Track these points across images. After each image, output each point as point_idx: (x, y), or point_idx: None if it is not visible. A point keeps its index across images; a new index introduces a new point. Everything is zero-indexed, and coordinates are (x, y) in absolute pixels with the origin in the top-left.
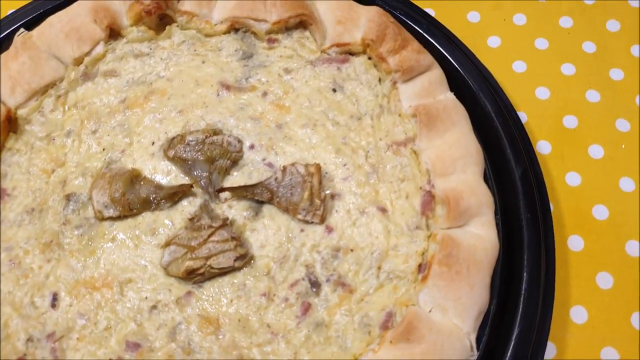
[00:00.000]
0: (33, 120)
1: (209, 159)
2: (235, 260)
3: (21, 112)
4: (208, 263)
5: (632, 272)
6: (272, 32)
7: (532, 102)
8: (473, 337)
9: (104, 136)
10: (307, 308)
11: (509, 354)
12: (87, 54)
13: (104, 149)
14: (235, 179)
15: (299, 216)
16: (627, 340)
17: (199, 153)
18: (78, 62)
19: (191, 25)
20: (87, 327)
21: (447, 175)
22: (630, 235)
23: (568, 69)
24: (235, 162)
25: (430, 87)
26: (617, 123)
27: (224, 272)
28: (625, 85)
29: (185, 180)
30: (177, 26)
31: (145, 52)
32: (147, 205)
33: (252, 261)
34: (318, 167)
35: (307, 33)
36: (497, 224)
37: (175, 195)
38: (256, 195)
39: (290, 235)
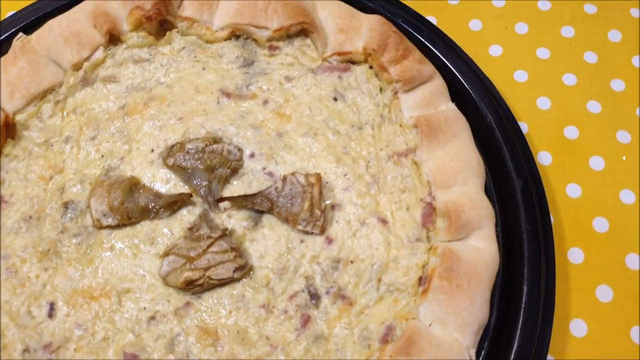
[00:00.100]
0: (31, 126)
1: (209, 168)
2: (234, 271)
3: (19, 118)
4: (207, 274)
5: (632, 285)
6: (273, 40)
7: (533, 112)
8: (473, 351)
9: (102, 143)
10: (306, 320)
11: None
12: (87, 59)
13: (102, 156)
14: (235, 188)
15: (299, 227)
16: (627, 355)
17: (199, 162)
18: (77, 67)
19: (192, 31)
20: (85, 337)
21: (448, 188)
22: (630, 248)
23: (569, 79)
24: (235, 171)
25: (432, 98)
26: (618, 134)
27: (223, 283)
28: (626, 96)
29: (184, 188)
30: (178, 32)
31: (145, 58)
32: (146, 214)
33: (252, 272)
34: (318, 177)
35: (308, 41)
36: (497, 236)
37: (175, 204)
38: (256, 205)
39: (290, 246)
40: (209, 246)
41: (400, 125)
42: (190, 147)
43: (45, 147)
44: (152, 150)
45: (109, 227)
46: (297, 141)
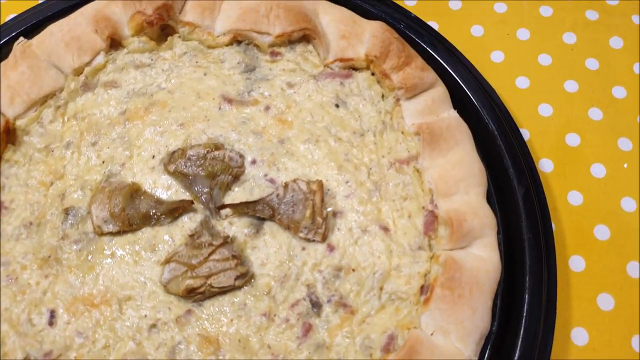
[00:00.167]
0: (32, 131)
1: (210, 175)
2: (235, 279)
3: (20, 123)
4: (208, 282)
5: (633, 293)
6: (275, 45)
7: (534, 119)
8: None
9: (103, 148)
10: (308, 329)
11: None
12: (88, 64)
13: (103, 162)
14: (237, 194)
15: (301, 234)
16: None
17: (200, 168)
18: (78, 72)
19: (193, 36)
20: (85, 345)
21: (450, 196)
22: (631, 256)
23: (571, 85)
24: (236, 178)
25: (434, 105)
26: (620, 142)
27: (224, 290)
28: (628, 103)
29: (185, 195)
30: (179, 37)
31: (146, 62)
32: (147, 220)
33: (253, 280)
34: (320, 184)
35: (310, 47)
36: (499, 244)
37: (176, 211)
38: (257, 212)
39: (291, 253)
40: (210, 254)
41: (402, 133)
42: (191, 153)
43: (45, 153)
44: (153, 157)
45: (110, 233)
46: (298, 148)
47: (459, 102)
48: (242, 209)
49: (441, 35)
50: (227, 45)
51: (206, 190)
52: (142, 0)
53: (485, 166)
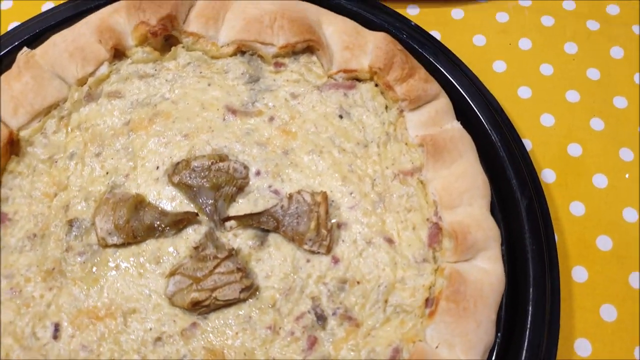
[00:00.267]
0: (35, 142)
1: (215, 186)
2: (240, 292)
3: (23, 134)
4: (214, 295)
5: (635, 304)
6: (279, 56)
7: (537, 129)
8: None
9: (107, 159)
10: (313, 342)
11: None
12: (91, 74)
13: (107, 173)
14: (241, 206)
15: (305, 246)
16: None
17: (205, 180)
18: (82, 82)
19: (197, 46)
20: (90, 359)
21: (454, 208)
22: (633, 267)
23: (573, 95)
24: (241, 189)
25: (437, 116)
26: (621, 152)
27: (229, 303)
28: (629, 113)
29: (190, 206)
30: (183, 47)
31: (150, 73)
32: (151, 232)
33: (258, 292)
34: (325, 196)
35: (314, 58)
36: (502, 255)
37: (180, 222)
38: (262, 224)
39: (296, 265)
40: (215, 267)
41: (406, 144)
42: (196, 164)
43: (49, 164)
44: (158, 167)
45: (114, 245)
46: (302, 159)
47: (462, 112)
48: (247, 220)
49: (444, 45)
50: (231, 56)
51: (211, 202)
52: (146, 11)
53: (489, 177)
